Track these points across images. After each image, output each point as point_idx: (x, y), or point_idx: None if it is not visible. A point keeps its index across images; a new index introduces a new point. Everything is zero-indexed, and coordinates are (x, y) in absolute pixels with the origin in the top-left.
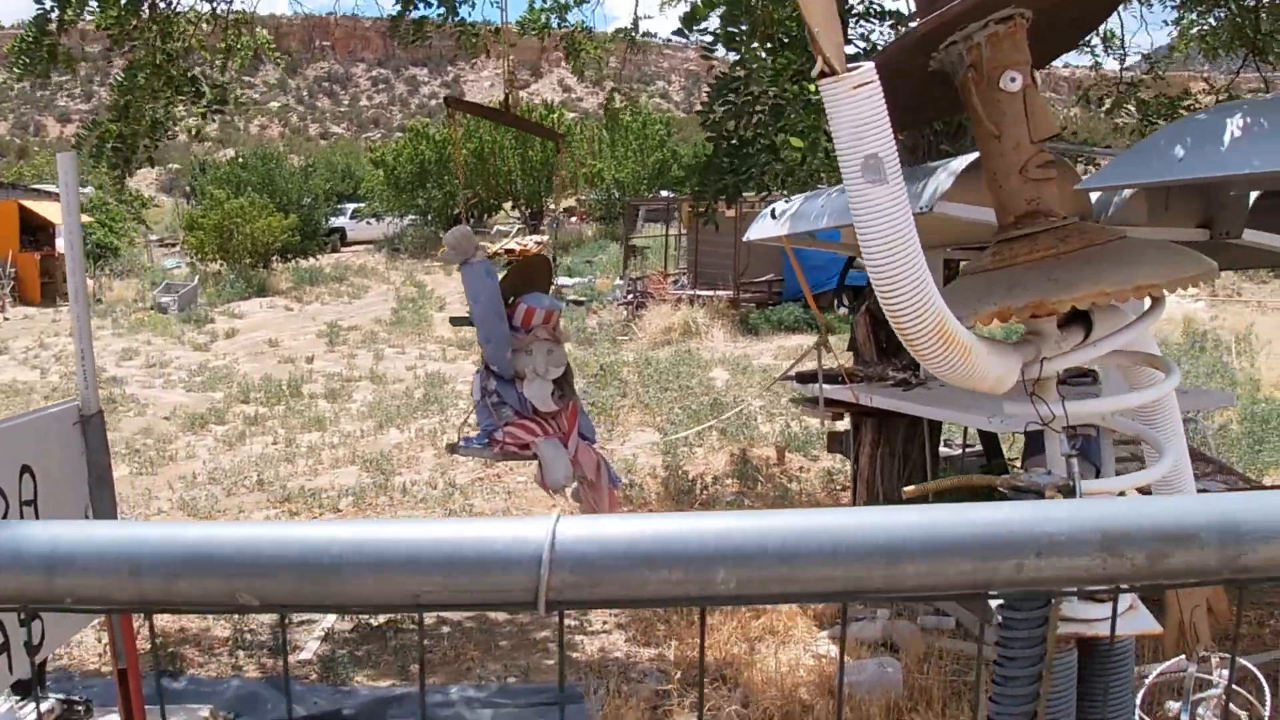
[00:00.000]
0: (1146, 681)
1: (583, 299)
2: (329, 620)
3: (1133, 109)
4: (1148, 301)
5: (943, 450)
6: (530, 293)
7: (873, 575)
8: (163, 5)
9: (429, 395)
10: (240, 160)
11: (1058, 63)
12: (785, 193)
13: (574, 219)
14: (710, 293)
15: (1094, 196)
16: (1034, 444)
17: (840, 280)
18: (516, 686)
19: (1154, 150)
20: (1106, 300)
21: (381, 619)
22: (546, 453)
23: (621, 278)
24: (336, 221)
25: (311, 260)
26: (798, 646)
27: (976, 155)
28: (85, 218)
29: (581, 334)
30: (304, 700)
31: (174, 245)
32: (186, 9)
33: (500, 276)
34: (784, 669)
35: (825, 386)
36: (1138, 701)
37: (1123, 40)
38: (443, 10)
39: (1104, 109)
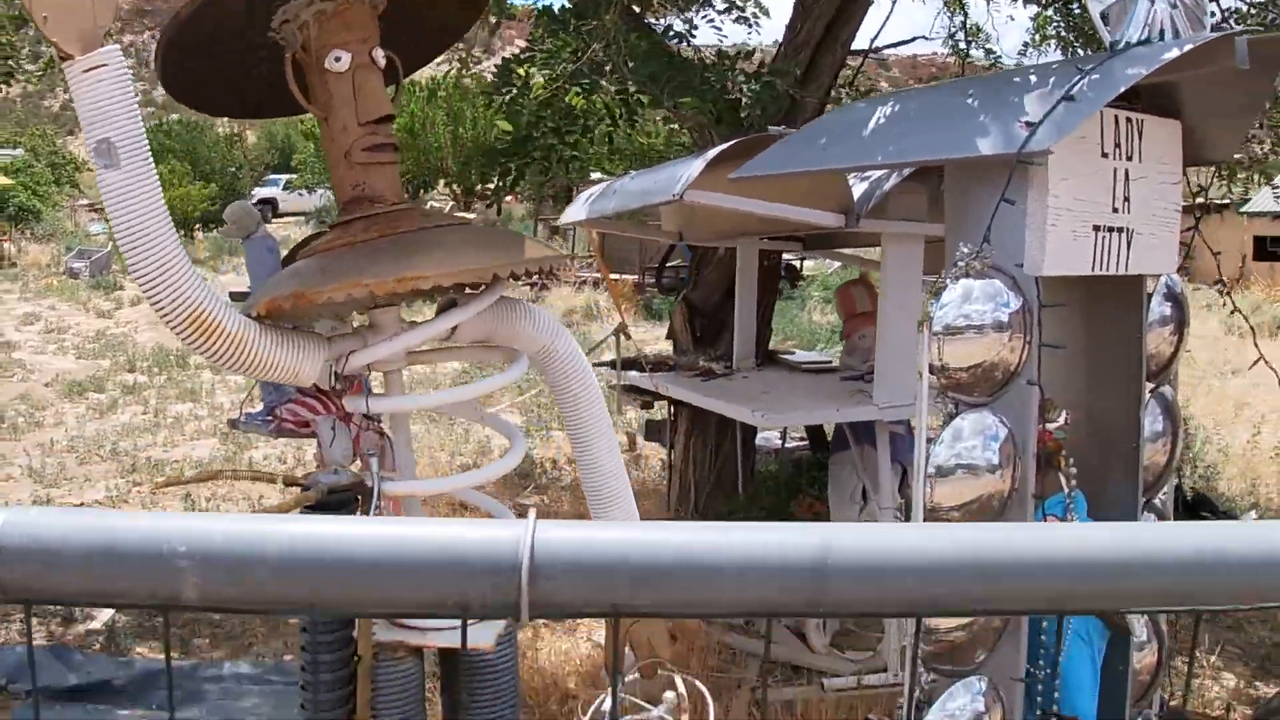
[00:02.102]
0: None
1: None
2: None
3: None
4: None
5: (764, 442)
6: None
7: None
8: None
9: None
10: (164, 127)
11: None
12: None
13: (509, 197)
14: (616, 276)
15: (856, 190)
16: (840, 439)
17: (660, 266)
18: (290, 664)
19: (805, 139)
20: (365, 292)
21: None
22: (324, 431)
23: None
24: (266, 192)
25: None
26: (577, 637)
27: (733, 143)
28: (4, 179)
29: None
30: (81, 669)
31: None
32: None
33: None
34: (558, 658)
35: (631, 375)
36: None
37: (967, 34)
38: None
39: None
